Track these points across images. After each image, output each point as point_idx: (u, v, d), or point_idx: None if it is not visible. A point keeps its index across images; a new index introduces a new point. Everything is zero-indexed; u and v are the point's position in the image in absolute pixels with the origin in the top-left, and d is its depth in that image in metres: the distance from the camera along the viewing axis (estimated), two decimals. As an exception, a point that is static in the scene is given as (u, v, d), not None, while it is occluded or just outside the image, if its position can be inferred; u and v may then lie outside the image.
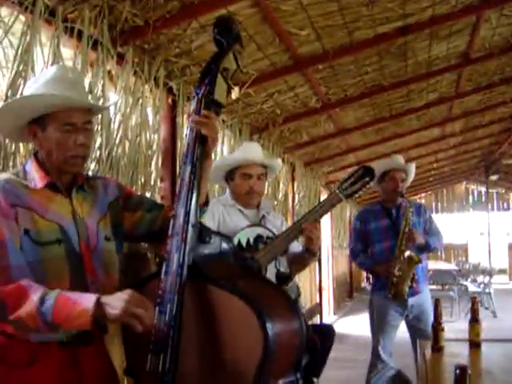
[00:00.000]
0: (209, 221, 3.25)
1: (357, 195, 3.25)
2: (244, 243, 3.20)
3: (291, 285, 5.25)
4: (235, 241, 3.18)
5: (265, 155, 3.57)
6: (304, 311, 5.39)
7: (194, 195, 1.95)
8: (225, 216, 3.34)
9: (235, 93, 2.09)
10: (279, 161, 3.65)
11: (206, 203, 2.19)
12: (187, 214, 1.92)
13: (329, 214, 11.89)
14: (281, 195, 7.56)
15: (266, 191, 6.75)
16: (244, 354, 1.78)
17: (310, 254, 3.20)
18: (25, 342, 1.89)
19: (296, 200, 8.54)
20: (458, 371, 2.06)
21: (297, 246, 3.38)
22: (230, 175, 3.42)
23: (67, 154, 1.99)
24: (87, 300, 1.76)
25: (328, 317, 10.92)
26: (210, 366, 1.86)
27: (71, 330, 1.85)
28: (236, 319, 1.81)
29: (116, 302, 1.74)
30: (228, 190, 3.51)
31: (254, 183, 3.36)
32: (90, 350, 2.01)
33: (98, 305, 1.75)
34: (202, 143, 2.01)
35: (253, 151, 3.43)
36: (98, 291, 1.93)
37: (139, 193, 3.87)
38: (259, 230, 3.29)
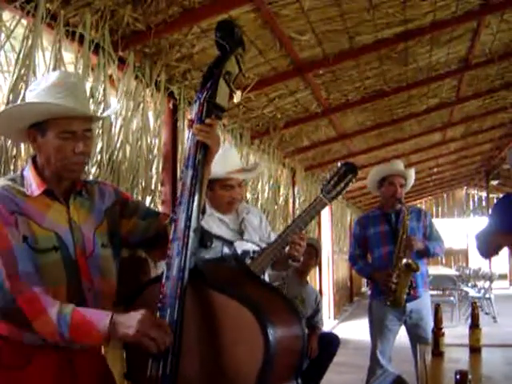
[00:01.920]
0: None
1: (341, 195, 3.16)
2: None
3: (308, 299, 5.25)
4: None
5: (240, 159, 3.44)
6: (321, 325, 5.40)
7: (196, 199, 1.95)
8: (203, 226, 3.29)
9: (237, 97, 2.09)
10: (257, 166, 3.58)
11: (203, 211, 2.17)
12: (189, 218, 1.92)
13: (329, 218, 11.92)
14: (281, 200, 7.56)
15: (266, 196, 6.80)
16: (245, 359, 1.78)
17: (295, 261, 3.16)
18: (19, 344, 1.90)
19: (296, 204, 8.55)
20: (458, 376, 2.07)
21: None
22: (209, 186, 3.17)
23: (66, 161, 1.99)
24: (101, 320, 1.79)
25: (328, 321, 10.90)
26: (210, 371, 1.85)
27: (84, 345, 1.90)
28: (237, 324, 1.81)
29: (131, 322, 1.76)
30: (204, 200, 3.45)
31: (235, 192, 3.27)
32: (85, 352, 2.00)
33: (112, 324, 1.77)
34: (204, 148, 2.00)
35: (231, 162, 3.31)
36: (94, 298, 1.97)
37: (140, 197, 3.87)
38: (244, 246, 3.23)
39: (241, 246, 3.22)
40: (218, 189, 3.25)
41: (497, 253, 4.20)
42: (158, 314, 1.86)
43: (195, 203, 1.94)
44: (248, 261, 3.17)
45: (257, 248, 3.26)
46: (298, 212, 8.48)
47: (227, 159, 3.30)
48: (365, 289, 17.24)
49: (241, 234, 3.32)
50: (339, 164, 3.17)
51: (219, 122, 2.12)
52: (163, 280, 1.89)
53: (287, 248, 3.13)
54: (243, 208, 3.45)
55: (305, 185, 9.09)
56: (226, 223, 3.31)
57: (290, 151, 7.60)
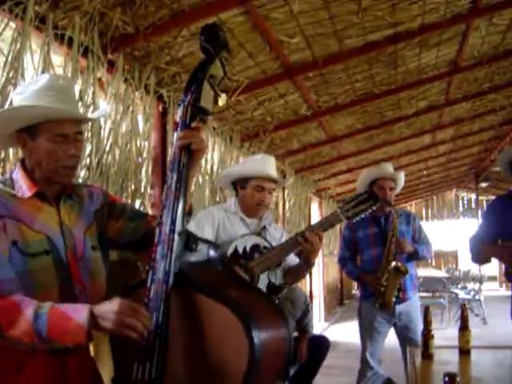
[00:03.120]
0: (208, 226, 3.27)
1: (357, 218, 3.22)
2: (240, 250, 3.21)
3: (298, 301, 5.27)
4: (232, 247, 3.19)
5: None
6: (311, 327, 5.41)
7: (181, 203, 1.95)
8: (225, 222, 3.34)
9: (222, 100, 2.09)
10: (292, 179, 3.68)
11: (190, 213, 2.18)
12: (173, 221, 1.92)
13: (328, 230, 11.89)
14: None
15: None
16: (230, 362, 1.78)
17: (306, 264, 3.21)
18: (11, 351, 1.87)
19: (286, 207, 8.55)
20: (446, 379, 2.07)
21: (294, 259, 3.38)
22: (242, 184, 3.41)
23: (57, 165, 1.98)
24: (80, 314, 1.77)
25: (319, 324, 10.90)
26: (196, 374, 1.85)
27: (66, 345, 1.84)
28: (222, 327, 1.81)
29: (108, 314, 1.75)
30: (234, 198, 3.52)
31: (266, 197, 3.37)
32: (76, 357, 1.99)
33: (91, 318, 1.76)
34: (189, 152, 2.00)
35: (270, 167, 3.44)
36: (86, 300, 1.94)
37: (129, 200, 3.87)
38: (257, 240, 3.29)
39: (252, 240, 3.26)
40: (251, 189, 3.36)
41: (489, 261, 4.22)
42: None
43: (180, 206, 1.94)
44: (256, 255, 3.20)
45: (268, 245, 3.29)
46: (288, 215, 8.49)
47: (267, 163, 3.46)
48: (355, 291, 17.25)
49: (260, 235, 3.37)
50: (364, 191, 3.31)
51: (204, 125, 2.12)
52: (148, 283, 1.89)
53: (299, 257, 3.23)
54: (267, 218, 3.52)
55: (295, 188, 9.09)
56: (247, 224, 3.39)
57: (280, 154, 7.61)
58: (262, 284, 3.17)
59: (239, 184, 3.43)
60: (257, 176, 3.36)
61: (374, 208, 3.24)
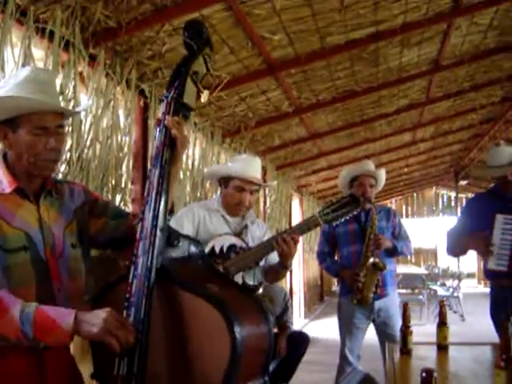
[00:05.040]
0: (188, 223, 3.27)
1: (337, 222, 3.19)
2: (217, 250, 3.21)
3: (277, 297, 5.30)
4: (209, 246, 3.19)
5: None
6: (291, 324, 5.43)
7: (163, 199, 1.95)
8: (206, 220, 3.35)
9: (205, 96, 2.10)
10: (275, 183, 3.67)
11: (172, 211, 2.17)
12: (155, 217, 1.92)
13: (299, 217, 11.94)
14: (252, 199, 7.55)
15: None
16: (212, 357, 1.78)
17: (282, 267, 3.22)
18: None
19: (267, 204, 8.56)
20: (424, 374, 2.09)
21: (275, 258, 3.37)
22: (225, 182, 3.44)
23: (38, 158, 1.97)
24: (65, 318, 1.77)
25: (299, 320, 10.93)
26: (178, 370, 1.85)
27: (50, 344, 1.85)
28: (204, 322, 1.81)
29: (95, 320, 1.75)
30: (218, 195, 3.54)
31: (246, 197, 3.38)
32: (55, 353, 1.98)
33: (76, 323, 1.76)
34: (172, 147, 2.01)
35: (254, 170, 3.44)
36: (65, 298, 1.95)
37: (110, 195, 3.85)
38: (234, 240, 3.30)
39: (229, 240, 3.26)
40: (232, 188, 3.39)
41: (464, 253, 4.28)
42: (124, 312, 1.85)
43: (162, 202, 1.94)
44: (232, 255, 3.20)
45: (244, 245, 3.29)
46: (268, 211, 8.50)
47: (251, 165, 3.46)
48: (335, 288, 17.31)
49: (239, 235, 3.36)
50: (346, 194, 3.25)
51: (187, 121, 2.12)
52: (130, 279, 1.89)
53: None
54: (250, 217, 3.53)
55: (276, 184, 9.10)
56: (228, 222, 3.41)
57: (261, 150, 7.61)
58: None
59: (222, 182, 3.46)
60: (238, 177, 3.37)
61: (355, 213, 3.19)
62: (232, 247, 3.26)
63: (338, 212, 3.13)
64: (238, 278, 3.20)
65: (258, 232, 3.51)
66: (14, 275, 1.89)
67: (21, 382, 1.92)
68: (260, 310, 1.99)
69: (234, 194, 3.38)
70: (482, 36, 5.83)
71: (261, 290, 3.30)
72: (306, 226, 3.18)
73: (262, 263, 3.39)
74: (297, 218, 11.48)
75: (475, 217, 4.09)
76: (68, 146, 3.40)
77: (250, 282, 3.28)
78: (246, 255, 3.19)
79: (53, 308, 1.84)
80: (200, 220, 3.33)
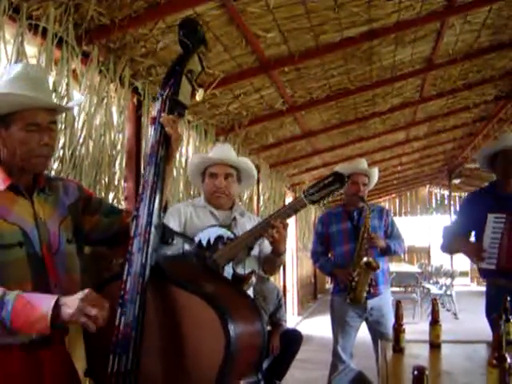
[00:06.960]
0: (174, 221, 3.26)
1: (324, 201, 3.10)
2: (204, 242, 3.20)
3: (270, 295, 5.31)
4: (196, 239, 3.18)
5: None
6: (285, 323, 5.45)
7: (158, 196, 1.95)
8: (193, 217, 3.35)
9: (199, 94, 2.10)
10: (246, 160, 3.60)
11: (165, 209, 2.17)
12: (150, 215, 1.92)
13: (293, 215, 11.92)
14: (246, 197, 7.56)
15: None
16: (206, 354, 1.79)
17: (275, 254, 3.19)
18: None
19: (261, 201, 8.56)
20: (416, 372, 2.09)
21: (269, 247, 3.28)
22: (203, 176, 3.49)
23: (31, 154, 1.98)
24: (46, 304, 1.76)
25: (292, 318, 10.94)
26: (172, 367, 1.85)
27: (31, 333, 1.84)
28: (198, 320, 1.82)
29: (71, 302, 1.75)
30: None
31: (221, 182, 3.38)
32: (51, 351, 1.99)
33: (56, 307, 1.75)
34: (166, 145, 2.01)
35: (221, 152, 3.47)
36: (61, 294, 1.92)
37: (103, 193, 3.84)
38: (220, 231, 3.29)
39: (215, 232, 3.26)
40: (207, 178, 3.44)
41: (457, 252, 4.29)
42: (119, 309, 1.85)
43: (157, 200, 1.95)
44: (220, 246, 3.19)
45: (232, 235, 3.28)
46: (262, 209, 8.50)
47: (217, 149, 3.54)
48: (329, 286, 17.34)
49: (228, 228, 3.36)
50: (330, 172, 3.14)
51: (181, 119, 2.12)
52: (124, 276, 1.89)
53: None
54: (238, 209, 3.54)
55: (269, 182, 9.10)
56: (216, 217, 3.40)
57: (255, 148, 7.61)
58: (227, 274, 3.15)
59: (202, 177, 3.51)
60: (208, 164, 3.44)
61: (341, 190, 3.08)
62: (219, 238, 3.25)
63: (324, 191, 3.02)
64: (229, 269, 3.18)
65: (249, 225, 3.47)
66: (10, 271, 1.89)
67: (19, 381, 1.91)
68: (253, 307, 2.00)
69: (209, 183, 3.42)
70: (475, 35, 5.84)
71: (253, 280, 3.24)
72: (291, 209, 3.08)
73: (255, 253, 3.37)
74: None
75: (470, 215, 4.10)
76: (61, 144, 3.39)
77: (242, 272, 3.25)
78: (234, 244, 3.14)
79: (35, 295, 1.83)
80: (187, 217, 3.33)
